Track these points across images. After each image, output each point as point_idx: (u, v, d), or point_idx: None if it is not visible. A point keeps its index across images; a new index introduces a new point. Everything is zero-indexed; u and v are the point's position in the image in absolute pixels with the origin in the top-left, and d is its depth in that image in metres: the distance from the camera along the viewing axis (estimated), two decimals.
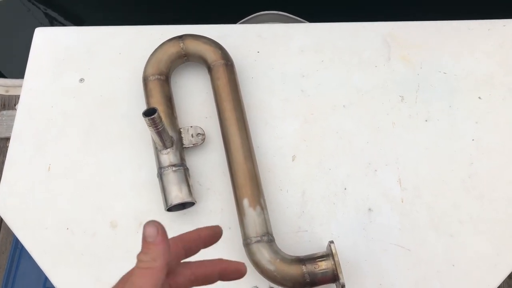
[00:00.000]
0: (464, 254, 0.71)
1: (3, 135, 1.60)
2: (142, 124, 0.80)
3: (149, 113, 0.66)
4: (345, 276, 0.71)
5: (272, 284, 0.71)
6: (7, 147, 0.90)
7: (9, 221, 0.77)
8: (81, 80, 0.86)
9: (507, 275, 0.70)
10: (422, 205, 0.74)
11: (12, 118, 1.61)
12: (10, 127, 1.60)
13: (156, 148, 0.75)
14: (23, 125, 0.84)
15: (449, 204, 0.74)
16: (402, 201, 0.74)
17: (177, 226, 0.75)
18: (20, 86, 1.25)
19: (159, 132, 0.70)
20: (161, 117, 0.68)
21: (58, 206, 0.77)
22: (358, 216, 0.74)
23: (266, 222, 0.70)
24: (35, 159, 0.81)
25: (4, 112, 1.63)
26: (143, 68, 0.81)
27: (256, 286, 0.71)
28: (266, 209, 0.71)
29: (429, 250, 0.72)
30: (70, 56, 0.89)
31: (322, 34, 0.88)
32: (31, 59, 0.90)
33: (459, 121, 0.79)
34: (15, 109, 0.87)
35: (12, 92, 1.67)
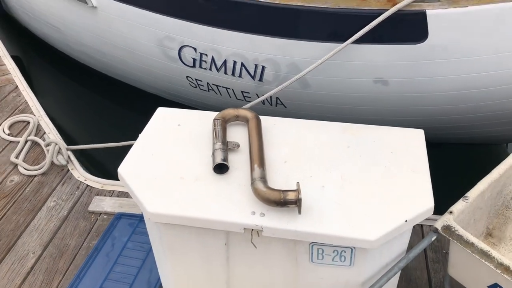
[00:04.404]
0: (376, 204, 1.26)
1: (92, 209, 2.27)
2: (208, 143, 1.51)
3: (216, 123, 1.40)
4: (304, 211, 1.26)
5: (265, 208, 1.27)
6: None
7: (129, 180, 1.42)
8: (179, 125, 1.62)
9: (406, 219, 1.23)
10: (352, 185, 1.33)
11: (102, 200, 2.30)
12: (98, 206, 2.28)
13: (213, 144, 1.43)
14: (137, 149, 1.56)
15: (366, 186, 1.33)
16: (342, 185, 1.34)
17: (216, 181, 1.36)
18: (110, 185, 2.14)
19: (217, 131, 1.41)
20: (220, 128, 1.41)
21: (153, 172, 1.42)
22: (316, 188, 1.33)
23: (265, 174, 1.31)
24: (150, 162, 1.50)
25: (97, 197, 2.33)
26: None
27: (253, 211, 1.27)
28: (266, 171, 1.34)
29: (352, 202, 1.27)
30: (175, 118, 1.67)
31: (305, 126, 1.63)
32: (152, 121, 1.68)
33: (378, 158, 1.44)
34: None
35: (106, 187, 2.40)
